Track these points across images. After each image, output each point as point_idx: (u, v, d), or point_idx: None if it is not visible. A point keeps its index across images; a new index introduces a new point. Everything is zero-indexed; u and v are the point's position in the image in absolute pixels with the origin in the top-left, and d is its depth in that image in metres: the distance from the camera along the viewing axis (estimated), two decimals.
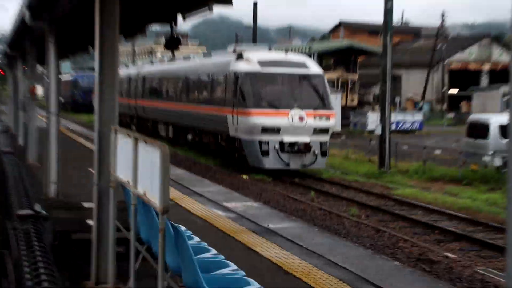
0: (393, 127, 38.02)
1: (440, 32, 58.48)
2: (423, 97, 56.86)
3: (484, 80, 60.59)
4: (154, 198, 4.79)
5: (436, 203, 17.47)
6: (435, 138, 39.01)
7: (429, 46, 60.46)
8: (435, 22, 66.57)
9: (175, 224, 5.10)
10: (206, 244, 5.98)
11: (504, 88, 48.11)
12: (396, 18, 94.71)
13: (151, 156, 4.96)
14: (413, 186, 20.64)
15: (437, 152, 24.21)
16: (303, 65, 22.44)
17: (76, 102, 58.21)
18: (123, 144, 6.02)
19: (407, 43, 67.72)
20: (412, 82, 60.43)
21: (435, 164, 23.67)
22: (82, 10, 10.44)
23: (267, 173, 21.35)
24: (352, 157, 27.52)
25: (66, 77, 63.92)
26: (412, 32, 74.78)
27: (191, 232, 6.29)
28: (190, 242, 5.24)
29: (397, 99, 49.82)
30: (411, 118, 44.01)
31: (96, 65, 7.39)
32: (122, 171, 6.04)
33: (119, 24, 7.40)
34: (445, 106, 58.42)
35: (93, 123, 7.41)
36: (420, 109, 52.82)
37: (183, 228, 5.40)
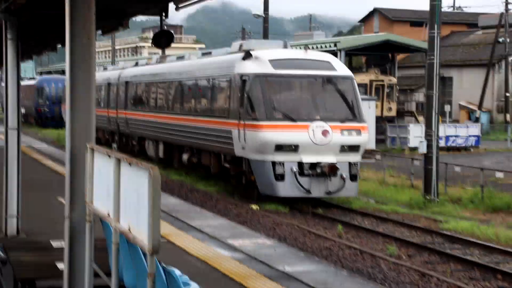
0: (442, 143, 38.05)
1: (502, 21, 58.44)
2: (480, 105, 56.72)
3: None
4: (141, 235, 4.81)
5: (498, 240, 17.39)
6: (496, 157, 38.87)
7: (488, 39, 60.45)
8: (495, 8, 66.59)
9: (168, 268, 5.13)
10: None
11: None
12: (446, 3, 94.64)
13: (137, 182, 4.99)
14: (468, 218, 20.57)
15: (499, 175, 24.13)
16: (327, 66, 22.51)
17: (41, 114, 58.42)
18: (101, 167, 6.06)
19: (460, 36, 67.68)
20: (467, 86, 60.35)
21: (496, 191, 23.58)
22: None
23: (282, 202, 21.35)
24: (390, 181, 27.47)
25: (28, 82, 64.42)
26: (467, 22, 74.79)
27: (187, 277, 6.31)
28: None
29: (447, 108, 49.70)
30: (465, 132, 43.90)
31: (66, 67, 7.46)
32: (100, 201, 6.07)
33: (95, 15, 7.47)
34: (508, 116, 58.25)
35: (63, 140, 7.47)
36: (477, 120, 52.72)
37: (177, 272, 5.42)
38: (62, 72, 70.08)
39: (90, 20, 7.39)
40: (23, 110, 48.21)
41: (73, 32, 7.34)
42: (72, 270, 7.05)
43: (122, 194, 5.42)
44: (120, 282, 5.94)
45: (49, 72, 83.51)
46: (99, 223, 6.46)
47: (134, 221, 5.05)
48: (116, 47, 76.95)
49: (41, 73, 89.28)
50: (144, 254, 5.06)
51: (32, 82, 62.54)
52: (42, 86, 59.28)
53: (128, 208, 5.26)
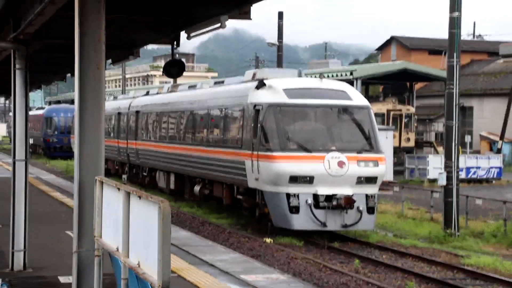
0: (463, 175, 37.87)
1: None
2: (502, 136, 56.51)
3: None
4: (151, 271, 4.81)
5: None
6: None
7: (510, 68, 60.43)
8: None
9: None
10: None
11: None
12: (465, 31, 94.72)
13: (146, 216, 5.00)
14: (491, 254, 20.40)
15: None
16: (343, 95, 22.53)
17: (50, 144, 58.69)
18: (110, 200, 6.08)
19: (480, 64, 67.68)
20: (488, 116, 60.21)
21: None
22: (58, 25, 10.66)
23: (297, 235, 21.26)
24: (408, 214, 27.34)
25: (37, 111, 64.84)
26: (487, 50, 74.82)
27: None
28: None
29: (468, 138, 49.56)
30: (486, 164, 43.72)
31: (75, 96, 7.51)
32: (109, 235, 6.08)
33: (105, 44, 7.54)
34: None
35: (71, 171, 7.51)
36: (498, 151, 52.50)
37: None
38: (71, 102, 70.53)
39: (100, 50, 7.47)
40: (31, 141, 48.50)
41: (82, 61, 7.41)
42: None
43: (131, 228, 5.43)
44: None
45: (58, 102, 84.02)
46: (108, 257, 6.46)
47: (144, 256, 5.06)
48: (127, 76, 77.47)
49: (49, 103, 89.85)
50: None
51: (40, 112, 62.91)
52: (50, 116, 59.59)
53: (137, 243, 5.26)
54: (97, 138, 7.42)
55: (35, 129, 60.53)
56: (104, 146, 7.46)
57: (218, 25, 9.84)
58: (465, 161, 41.34)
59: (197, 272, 12.42)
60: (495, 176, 43.45)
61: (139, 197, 5.20)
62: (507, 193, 34.59)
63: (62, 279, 10.23)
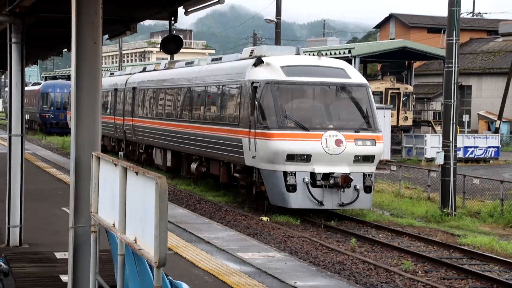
0: (460, 154, 37.95)
1: None
2: (500, 115, 56.56)
3: None
4: (148, 247, 4.81)
5: None
6: None
7: (509, 47, 60.36)
8: None
9: (175, 281, 5.12)
10: None
11: None
12: (464, 9, 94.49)
13: (143, 192, 5.00)
14: (487, 233, 20.48)
15: None
16: (341, 73, 22.51)
17: (46, 120, 58.64)
18: (107, 176, 6.07)
19: (479, 43, 67.60)
20: (486, 95, 60.26)
21: None
22: (55, 0, 10.61)
23: (293, 214, 21.32)
24: (405, 193, 27.41)
25: (33, 87, 64.70)
26: (487, 29, 74.65)
27: None
28: None
29: (466, 118, 49.61)
30: (484, 143, 43.80)
31: (72, 72, 7.48)
32: (106, 211, 6.08)
33: (102, 19, 7.50)
34: None
35: (68, 147, 7.49)
36: (496, 130, 52.57)
37: (185, 286, 5.42)
38: (68, 77, 70.37)
39: (97, 24, 7.43)
40: (27, 116, 48.42)
41: (79, 36, 7.37)
42: (76, 283, 7.06)
43: (128, 204, 5.42)
44: None
45: (54, 77, 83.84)
46: (104, 233, 6.46)
47: (140, 232, 5.05)
48: (124, 52, 77.27)
49: (46, 78, 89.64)
50: (151, 267, 5.06)
51: (36, 87, 62.76)
52: (47, 91, 59.45)
53: (134, 219, 5.26)
54: (93, 114, 7.39)
55: (31, 105, 60.43)
56: (100, 122, 7.44)
57: (216, 0, 9.79)
58: (463, 140, 41.39)
59: (193, 250, 12.45)
60: (492, 155, 43.53)
61: (136, 172, 5.19)
62: (505, 173, 34.68)
63: (58, 255, 10.25)
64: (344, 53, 45.14)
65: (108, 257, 6.78)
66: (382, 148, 22.18)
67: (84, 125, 7.31)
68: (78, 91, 7.37)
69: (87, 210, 6.80)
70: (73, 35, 7.39)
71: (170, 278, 5.15)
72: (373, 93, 23.79)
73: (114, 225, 5.73)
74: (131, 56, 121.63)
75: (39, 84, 68.25)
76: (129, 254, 5.76)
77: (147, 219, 4.85)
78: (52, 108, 58.42)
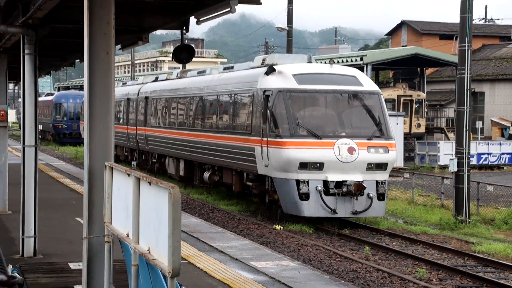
0: (474, 161, 37.81)
1: None
2: None
3: None
4: (161, 257, 4.82)
5: None
6: None
7: None
8: None
9: None
10: None
11: None
12: (476, 15, 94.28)
13: (157, 201, 5.01)
14: (502, 240, 20.36)
15: None
16: (353, 80, 22.48)
17: (59, 131, 58.85)
18: (120, 186, 6.08)
19: (492, 49, 67.39)
20: (499, 101, 60.02)
21: None
22: (67, 10, 10.66)
23: (307, 222, 21.28)
24: (419, 201, 27.31)
25: (46, 97, 64.96)
26: (499, 35, 74.42)
27: None
28: None
29: (479, 124, 49.43)
30: (497, 150, 43.62)
31: (85, 82, 7.51)
32: (119, 221, 6.09)
33: (114, 29, 7.52)
34: None
35: (81, 157, 7.51)
36: (510, 137, 52.34)
37: None
38: (81, 88, 70.64)
39: (109, 35, 7.46)
40: (40, 127, 48.59)
41: (92, 46, 7.40)
42: None
43: (141, 214, 5.43)
44: None
45: (67, 88, 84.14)
46: (118, 243, 6.47)
47: (154, 242, 5.06)
48: (136, 62, 77.53)
49: (58, 88, 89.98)
50: (164, 276, 5.06)
51: (49, 98, 63.02)
52: (60, 102, 59.69)
53: (147, 229, 5.27)
54: (106, 124, 7.42)
55: (44, 115, 60.66)
56: (113, 132, 7.46)
57: (228, 9, 9.80)
58: (476, 147, 41.24)
59: (207, 259, 12.45)
60: (506, 162, 43.33)
61: (149, 182, 5.20)
62: None
63: (72, 266, 10.27)
64: (356, 60, 45.09)
65: (122, 267, 6.78)
66: (395, 156, 22.12)
67: (97, 135, 7.34)
68: (91, 101, 7.39)
69: (100, 220, 6.82)
70: (86, 46, 7.42)
71: (184, 287, 5.15)
72: (386, 100, 23.75)
73: (127, 235, 5.74)
74: (143, 66, 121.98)
75: (52, 94, 68.51)
76: (143, 264, 5.77)
77: (160, 229, 4.86)
78: (65, 119, 58.63)
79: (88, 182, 7.27)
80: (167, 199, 4.70)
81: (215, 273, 11.34)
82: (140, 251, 5.40)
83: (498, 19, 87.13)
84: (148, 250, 5.16)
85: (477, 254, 17.98)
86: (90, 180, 7.25)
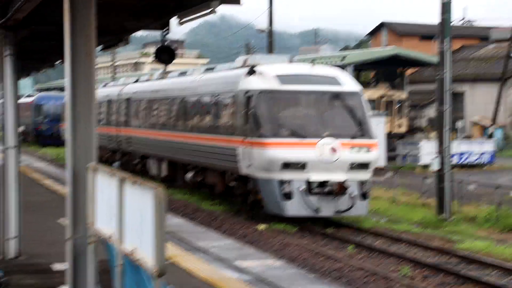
0: (455, 160, 37.96)
1: None
2: (493, 121, 56.70)
3: None
4: (146, 257, 4.79)
5: None
6: None
7: (501, 53, 60.50)
8: (507, 21, 66.65)
9: None
10: None
11: None
12: (456, 17, 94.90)
13: (141, 202, 4.98)
14: (484, 238, 20.47)
15: None
16: (335, 81, 22.53)
17: (40, 132, 58.53)
18: (104, 187, 6.05)
19: (471, 50, 67.79)
20: (479, 101, 60.39)
21: None
22: (47, 11, 10.60)
23: (290, 222, 21.29)
24: (401, 200, 27.40)
25: (26, 99, 64.58)
26: (478, 35, 74.88)
27: None
28: None
29: (460, 124, 49.70)
30: (478, 149, 43.85)
31: (66, 84, 7.46)
32: (103, 222, 6.06)
33: (95, 31, 7.49)
34: None
35: (62, 159, 7.46)
36: (490, 136, 52.65)
37: None
38: (61, 89, 70.26)
39: (91, 36, 7.42)
40: (21, 129, 48.31)
41: (73, 48, 7.36)
42: None
43: (125, 215, 5.40)
44: None
45: (48, 89, 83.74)
46: (102, 245, 6.44)
47: (139, 242, 5.04)
48: (116, 63, 77.27)
49: (40, 90, 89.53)
50: (149, 277, 5.04)
51: (30, 99, 62.69)
52: (40, 103, 59.42)
53: (132, 229, 5.24)
54: (89, 125, 7.38)
55: (25, 117, 60.31)
56: (96, 134, 7.42)
57: (210, 9, 9.79)
58: (458, 146, 41.43)
59: (191, 259, 12.42)
60: (487, 161, 43.57)
61: (133, 183, 5.18)
62: (500, 178, 34.71)
63: (57, 267, 10.22)
64: (337, 61, 45.21)
65: (106, 268, 6.75)
66: (377, 155, 22.19)
67: (80, 136, 7.30)
68: (73, 103, 7.35)
69: (84, 221, 6.79)
70: (67, 48, 7.38)
71: (169, 287, 5.13)
72: (368, 100, 23.80)
73: (112, 236, 5.72)
74: (124, 67, 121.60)
75: (32, 96, 68.13)
76: (127, 264, 5.74)
77: (145, 229, 4.84)
78: (46, 120, 58.35)
79: (71, 184, 7.22)
80: (151, 199, 4.68)
81: (199, 272, 11.31)
82: (124, 251, 5.38)
83: (477, 20, 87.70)
84: (133, 251, 5.14)
85: (459, 252, 18.07)
86: (74, 181, 7.20)
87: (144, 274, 5.40)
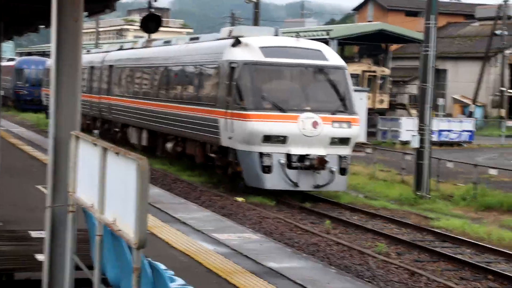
0: (435, 138, 38.15)
1: (500, 13, 58.52)
2: (474, 99, 56.97)
3: None
4: (127, 228, 4.81)
5: (490, 239, 17.50)
6: (490, 153, 39.08)
7: (486, 31, 60.60)
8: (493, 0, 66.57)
9: (154, 262, 5.13)
10: None
11: None
12: None
13: (124, 172, 4.99)
14: (460, 216, 20.68)
15: (493, 172, 24.27)
16: (319, 55, 22.53)
17: (20, 97, 58.10)
18: (86, 156, 6.05)
19: (456, 27, 67.86)
20: (461, 79, 60.59)
21: (490, 188, 23.71)
22: None
23: (269, 195, 21.39)
24: (380, 176, 27.57)
25: (7, 63, 64.03)
26: (464, 13, 74.92)
27: (172, 272, 6.33)
28: (172, 285, 5.27)
29: (441, 102, 49.87)
30: (458, 127, 44.13)
31: (52, 49, 7.41)
32: (84, 191, 6.06)
33: None
34: (503, 111, 58.52)
35: (42, 125, 7.43)
36: (471, 115, 52.96)
37: (162, 267, 5.43)
38: (43, 54, 69.71)
39: (78, 1, 7.35)
40: (1, 92, 47.91)
41: (60, 13, 7.28)
42: (52, 262, 7.03)
43: (107, 185, 5.41)
44: (103, 275, 5.94)
45: (29, 54, 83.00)
46: (82, 214, 6.45)
47: (120, 213, 5.05)
48: (100, 29, 76.60)
49: (20, 54, 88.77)
50: (129, 248, 5.06)
51: (11, 63, 62.12)
52: (21, 67, 58.88)
53: (113, 199, 5.25)
54: (74, 93, 7.35)
55: (5, 81, 59.79)
56: (80, 101, 7.39)
57: None
58: (438, 124, 41.65)
59: (169, 230, 12.46)
60: (466, 139, 43.87)
61: (117, 153, 5.18)
62: (478, 157, 34.99)
63: (34, 234, 10.20)
64: (322, 34, 45.17)
65: (85, 237, 6.76)
66: (358, 131, 22.30)
67: (64, 104, 7.27)
68: (59, 70, 7.31)
69: (64, 189, 6.77)
70: (54, 12, 7.31)
71: (149, 259, 5.17)
72: (351, 75, 23.82)
73: (93, 205, 5.72)
74: (108, 34, 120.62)
75: (13, 60, 67.53)
76: (107, 235, 5.76)
77: (127, 200, 4.85)
78: (27, 85, 57.89)
79: (53, 151, 7.19)
80: (134, 170, 4.68)
81: (177, 244, 11.37)
82: (105, 221, 5.38)
83: None
84: (114, 221, 5.15)
85: (435, 230, 18.26)
86: (55, 149, 7.17)
87: (125, 245, 5.43)
